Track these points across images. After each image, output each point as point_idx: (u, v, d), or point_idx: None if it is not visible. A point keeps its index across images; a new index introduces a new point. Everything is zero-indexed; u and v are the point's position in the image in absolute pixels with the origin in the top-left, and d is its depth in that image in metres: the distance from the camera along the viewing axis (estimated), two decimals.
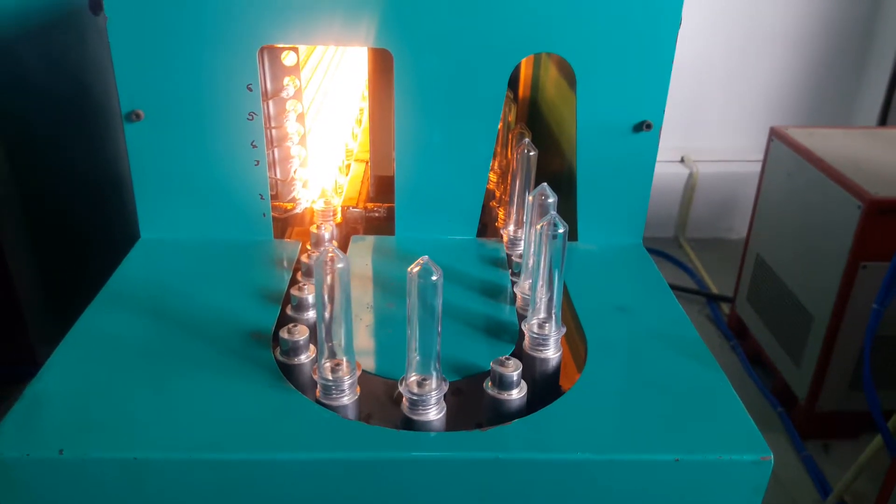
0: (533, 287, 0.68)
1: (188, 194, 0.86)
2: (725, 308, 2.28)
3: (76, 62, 1.20)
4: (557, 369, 0.69)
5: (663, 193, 2.62)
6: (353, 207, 0.94)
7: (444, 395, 0.62)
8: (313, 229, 0.81)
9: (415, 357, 0.60)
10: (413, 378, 0.61)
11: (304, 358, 0.67)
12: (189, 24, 0.78)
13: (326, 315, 0.60)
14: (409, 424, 0.61)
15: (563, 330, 0.69)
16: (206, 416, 0.61)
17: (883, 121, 2.53)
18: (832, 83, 2.64)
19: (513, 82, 1.38)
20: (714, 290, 2.39)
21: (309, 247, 0.82)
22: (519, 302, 0.78)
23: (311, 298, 0.73)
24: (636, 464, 0.59)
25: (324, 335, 0.61)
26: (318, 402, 0.62)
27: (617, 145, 0.86)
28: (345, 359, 0.62)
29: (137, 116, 0.82)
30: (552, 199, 0.72)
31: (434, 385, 0.61)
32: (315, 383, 0.63)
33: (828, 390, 1.75)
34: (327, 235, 0.81)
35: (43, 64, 1.21)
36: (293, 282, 0.80)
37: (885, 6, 2.51)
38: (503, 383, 0.63)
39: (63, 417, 0.61)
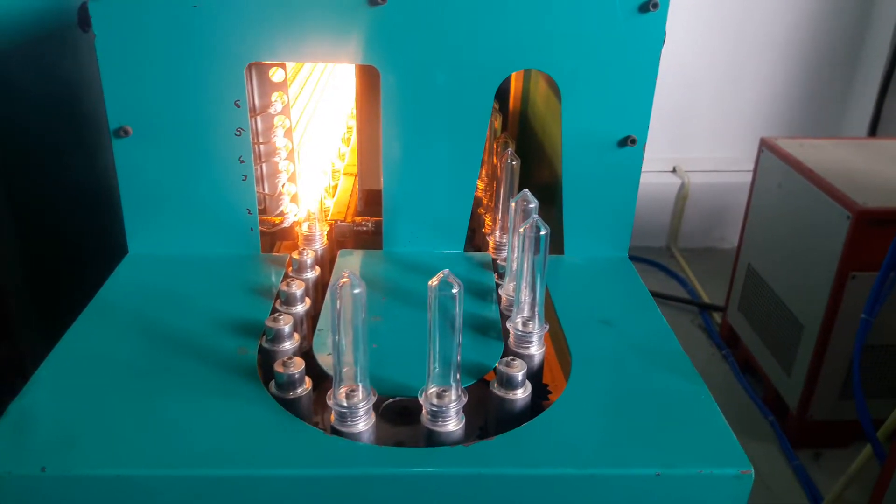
0: (517, 288, 0.70)
1: (176, 209, 0.86)
2: (717, 317, 2.29)
3: (69, 73, 1.21)
4: (541, 365, 0.70)
5: (655, 203, 2.64)
6: (341, 221, 0.95)
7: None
8: (295, 255, 0.81)
9: (434, 368, 0.61)
10: (433, 389, 0.62)
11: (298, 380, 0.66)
12: (177, 40, 0.79)
13: (342, 342, 0.59)
14: (431, 435, 0.62)
15: (546, 327, 0.71)
16: (191, 432, 0.61)
17: (873, 131, 2.55)
18: (822, 94, 2.66)
19: (503, 95, 1.39)
20: (706, 299, 2.39)
21: (290, 272, 0.82)
22: (504, 303, 0.80)
23: (292, 321, 0.72)
24: (617, 478, 0.60)
25: (338, 361, 0.60)
26: (333, 429, 0.62)
27: (602, 160, 0.86)
28: (360, 385, 0.61)
29: (126, 133, 0.82)
30: (534, 205, 0.74)
31: (454, 396, 0.62)
32: (304, 402, 0.64)
33: (819, 399, 1.75)
34: (309, 261, 0.81)
35: (35, 75, 1.21)
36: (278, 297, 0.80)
37: (874, 18, 2.53)
38: (510, 383, 0.65)
39: (47, 434, 0.61)
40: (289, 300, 0.76)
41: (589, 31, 0.80)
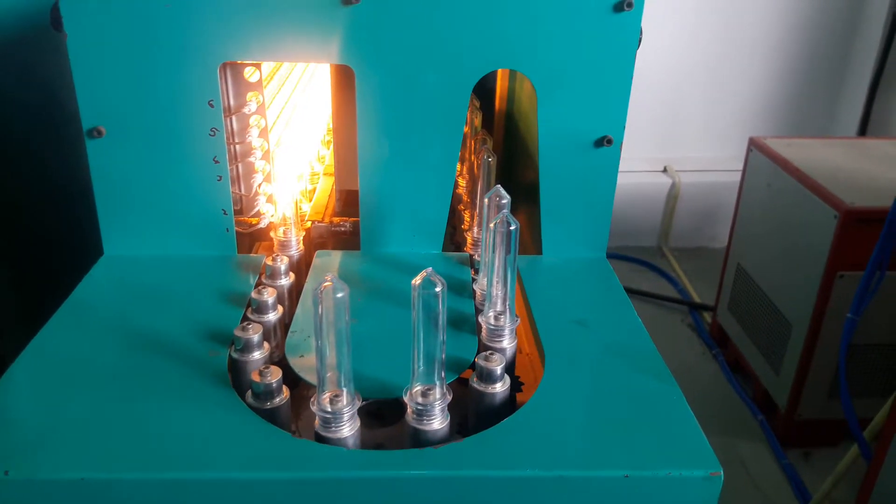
0: (489, 283, 0.71)
1: (151, 210, 0.86)
2: (707, 317, 2.29)
3: (48, 72, 1.20)
4: (514, 359, 0.70)
5: (646, 203, 2.63)
6: (319, 222, 0.94)
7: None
8: (268, 261, 0.80)
9: (419, 367, 0.61)
10: (417, 388, 0.62)
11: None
12: (149, 40, 0.79)
13: (325, 346, 0.58)
14: (417, 434, 0.62)
15: (518, 321, 0.72)
16: (158, 434, 0.61)
17: (863, 131, 2.55)
18: (812, 94, 2.66)
19: (489, 94, 1.39)
20: (696, 298, 2.39)
21: (264, 278, 0.81)
22: (479, 298, 0.81)
23: (261, 331, 0.71)
24: (585, 480, 0.59)
25: (322, 366, 0.59)
26: (317, 434, 0.61)
27: (578, 160, 0.86)
28: (344, 390, 0.61)
29: (99, 133, 0.82)
30: (506, 201, 0.74)
31: (438, 394, 0.62)
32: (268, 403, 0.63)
33: (807, 398, 1.75)
34: (283, 268, 0.80)
35: (14, 74, 1.21)
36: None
37: (863, 17, 2.53)
38: (490, 377, 0.65)
39: (11, 437, 0.60)
40: (260, 308, 0.75)
41: (564, 31, 0.80)
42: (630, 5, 0.79)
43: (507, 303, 0.70)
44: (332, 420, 0.60)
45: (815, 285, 1.64)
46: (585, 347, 0.74)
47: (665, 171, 2.68)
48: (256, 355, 0.69)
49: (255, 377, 0.64)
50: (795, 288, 1.74)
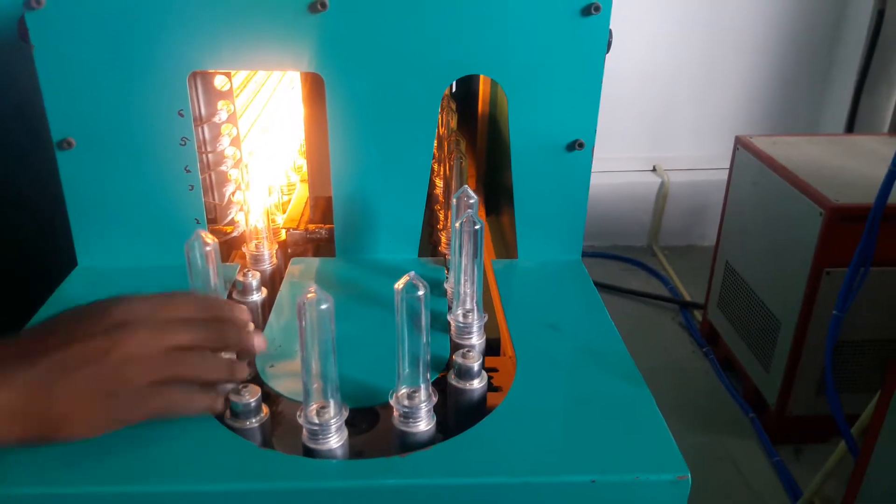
0: (456, 281, 0.72)
1: (123, 221, 0.86)
2: (698, 315, 2.29)
3: (19, 83, 1.20)
4: (482, 355, 0.70)
5: (636, 202, 2.64)
6: (294, 229, 0.94)
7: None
8: (239, 277, 0.78)
9: (403, 370, 0.61)
10: (403, 391, 0.62)
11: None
12: (116, 50, 0.78)
13: (310, 358, 0.58)
14: (403, 436, 0.62)
15: (486, 317, 0.72)
16: (121, 448, 0.61)
17: (850, 128, 2.55)
18: (800, 91, 2.67)
19: (471, 97, 1.39)
20: (687, 297, 2.39)
21: (234, 294, 0.79)
22: (449, 295, 0.82)
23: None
24: (551, 486, 0.59)
25: (308, 378, 0.59)
26: (304, 447, 0.61)
27: (551, 164, 0.86)
28: (331, 401, 0.60)
29: (69, 144, 0.82)
30: (474, 200, 0.75)
31: (423, 396, 0.62)
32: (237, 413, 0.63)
33: (797, 395, 1.75)
34: (255, 283, 0.78)
35: None
36: None
37: (849, 14, 2.54)
38: (466, 374, 0.66)
39: None
40: None
41: (531, 36, 0.80)
42: (598, 9, 0.78)
43: (476, 300, 0.72)
44: (319, 432, 0.60)
45: (802, 282, 1.64)
46: (557, 351, 0.74)
47: (654, 170, 2.68)
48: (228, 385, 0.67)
49: (234, 397, 0.63)
50: (783, 285, 1.74)
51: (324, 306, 0.56)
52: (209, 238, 0.67)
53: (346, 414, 0.61)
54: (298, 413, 0.61)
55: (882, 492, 1.28)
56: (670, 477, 0.60)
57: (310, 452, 0.60)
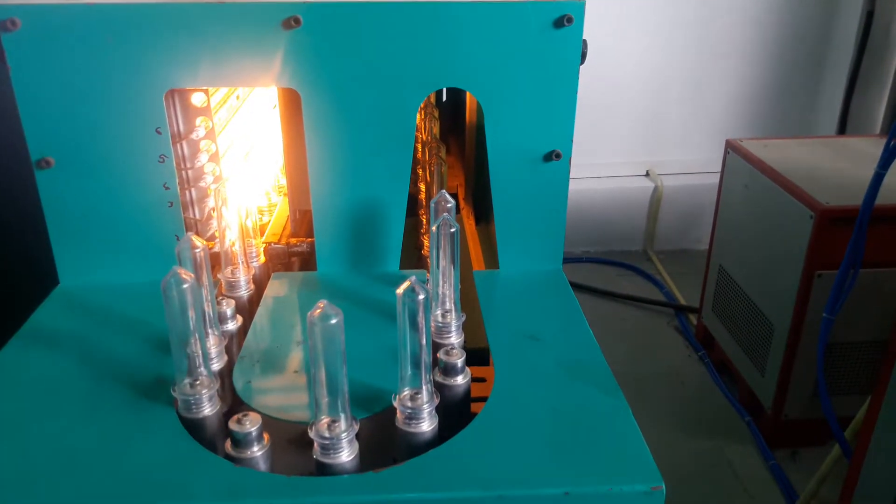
0: (434, 282, 0.74)
1: (104, 239, 0.86)
2: (693, 319, 2.29)
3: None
4: (462, 353, 0.70)
5: (630, 207, 2.63)
6: (276, 243, 0.95)
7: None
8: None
9: (406, 372, 0.63)
10: (406, 392, 0.64)
11: (208, 410, 0.66)
12: (92, 71, 0.79)
13: (319, 373, 0.58)
14: (407, 437, 0.63)
15: (464, 317, 0.75)
16: (102, 466, 0.61)
17: (842, 130, 2.55)
18: (791, 94, 2.67)
19: (458, 106, 1.39)
20: (682, 301, 2.39)
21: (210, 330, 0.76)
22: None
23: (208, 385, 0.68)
24: (526, 499, 0.59)
25: (317, 393, 0.59)
26: (315, 460, 0.61)
27: (529, 175, 0.86)
28: (342, 415, 0.61)
29: (48, 163, 0.82)
30: (451, 204, 0.76)
31: (425, 399, 0.64)
32: (222, 434, 0.63)
33: (792, 398, 1.75)
34: (229, 312, 0.78)
35: None
36: None
37: (839, 16, 2.54)
38: (451, 370, 0.68)
39: None
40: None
41: (505, 48, 0.80)
42: (570, 20, 0.79)
43: (454, 300, 0.74)
44: (330, 446, 0.61)
45: (795, 285, 1.64)
46: (535, 362, 0.74)
47: (647, 174, 2.68)
48: (207, 411, 0.67)
49: (234, 426, 0.62)
50: (775, 288, 1.74)
51: (333, 321, 0.56)
52: (198, 241, 0.68)
53: (356, 428, 0.62)
54: (309, 427, 0.61)
55: (877, 493, 1.28)
56: (644, 488, 0.60)
57: (321, 467, 0.61)
